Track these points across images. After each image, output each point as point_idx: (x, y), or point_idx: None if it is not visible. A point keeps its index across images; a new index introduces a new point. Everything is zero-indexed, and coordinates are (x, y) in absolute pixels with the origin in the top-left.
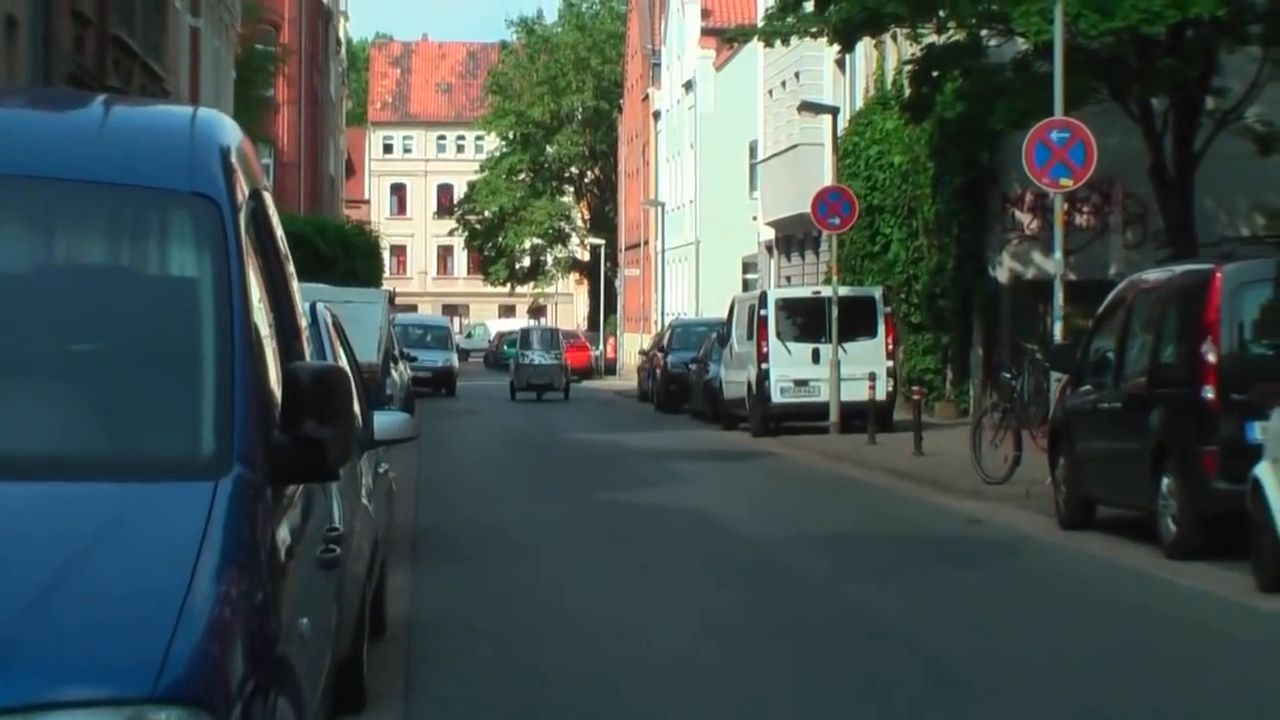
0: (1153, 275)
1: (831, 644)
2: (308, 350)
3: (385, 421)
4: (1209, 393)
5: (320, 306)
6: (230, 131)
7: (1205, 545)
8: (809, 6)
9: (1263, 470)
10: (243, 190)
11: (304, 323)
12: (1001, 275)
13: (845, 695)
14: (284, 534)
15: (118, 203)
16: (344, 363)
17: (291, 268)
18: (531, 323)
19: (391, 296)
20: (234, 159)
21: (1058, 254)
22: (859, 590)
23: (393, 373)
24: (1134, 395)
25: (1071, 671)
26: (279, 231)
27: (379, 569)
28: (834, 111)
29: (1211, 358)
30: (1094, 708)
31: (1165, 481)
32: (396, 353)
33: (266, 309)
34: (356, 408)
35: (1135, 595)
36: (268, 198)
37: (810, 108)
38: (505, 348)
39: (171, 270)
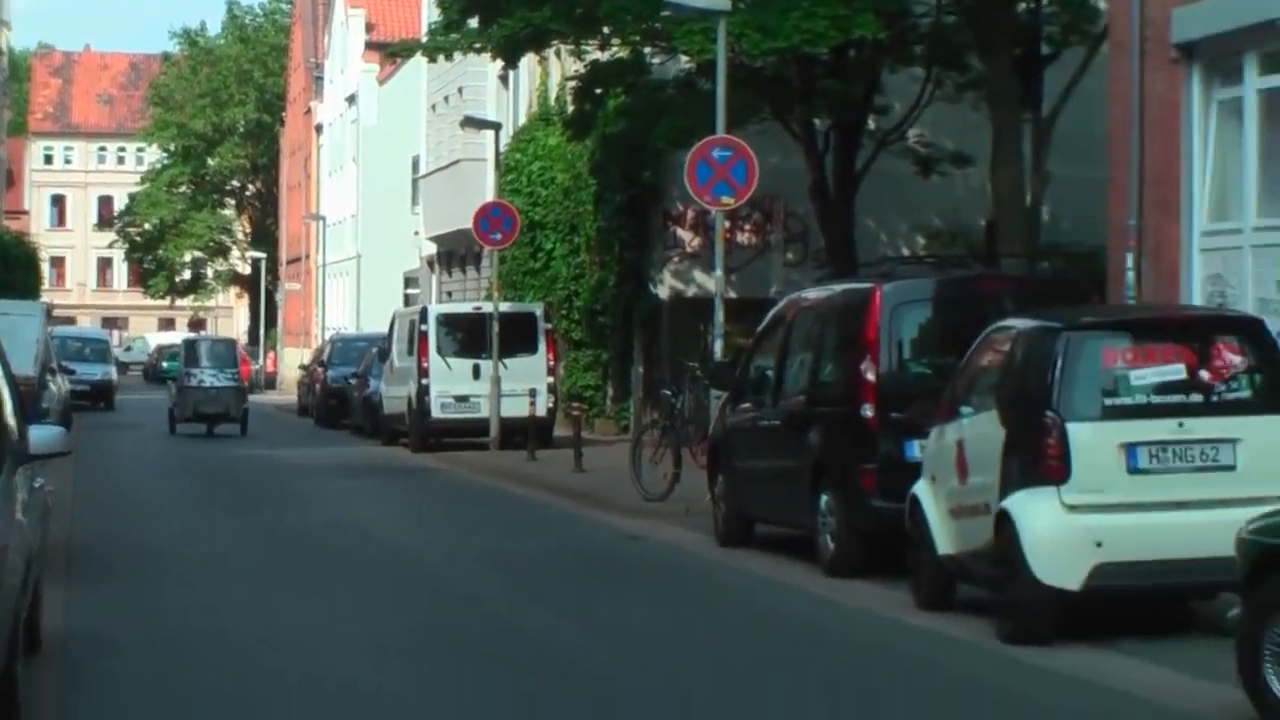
0: (812, 293)
1: (489, 660)
2: None
3: (40, 436)
4: (868, 411)
5: None
6: None
7: (864, 563)
8: (473, 22)
9: (921, 488)
10: None
11: None
12: (662, 292)
13: (493, 708)
14: None
15: None
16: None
17: None
18: (201, 334)
19: (49, 309)
20: None
21: (719, 271)
22: (518, 607)
23: (50, 385)
24: (793, 413)
25: (726, 686)
26: None
27: (34, 585)
28: (497, 127)
29: (870, 376)
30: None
31: (824, 499)
32: (54, 365)
33: None
34: (11, 422)
35: (794, 611)
36: None
37: (473, 123)
38: (164, 363)
39: None
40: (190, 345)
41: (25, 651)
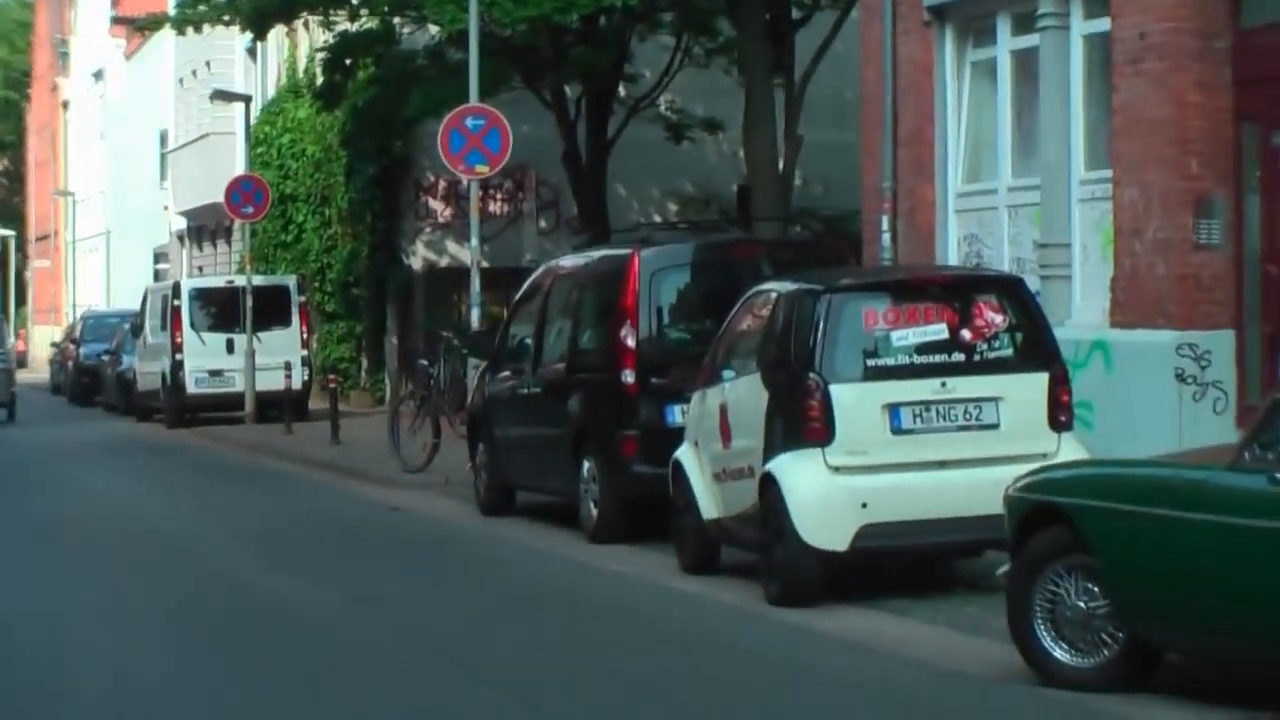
0: (570, 261)
1: (248, 635)
2: None
3: None
4: (628, 377)
5: None
6: None
7: (627, 529)
8: None
9: (684, 453)
10: None
11: None
12: (415, 263)
13: (256, 682)
14: None
15: None
16: None
17: None
18: None
19: None
20: None
21: (474, 241)
22: (280, 581)
23: None
24: (553, 381)
25: (490, 654)
26: None
27: None
28: (246, 100)
29: (630, 342)
30: (514, 691)
31: (586, 466)
32: None
33: None
34: None
35: (559, 578)
36: None
37: (223, 96)
38: None
39: None
40: None
41: None
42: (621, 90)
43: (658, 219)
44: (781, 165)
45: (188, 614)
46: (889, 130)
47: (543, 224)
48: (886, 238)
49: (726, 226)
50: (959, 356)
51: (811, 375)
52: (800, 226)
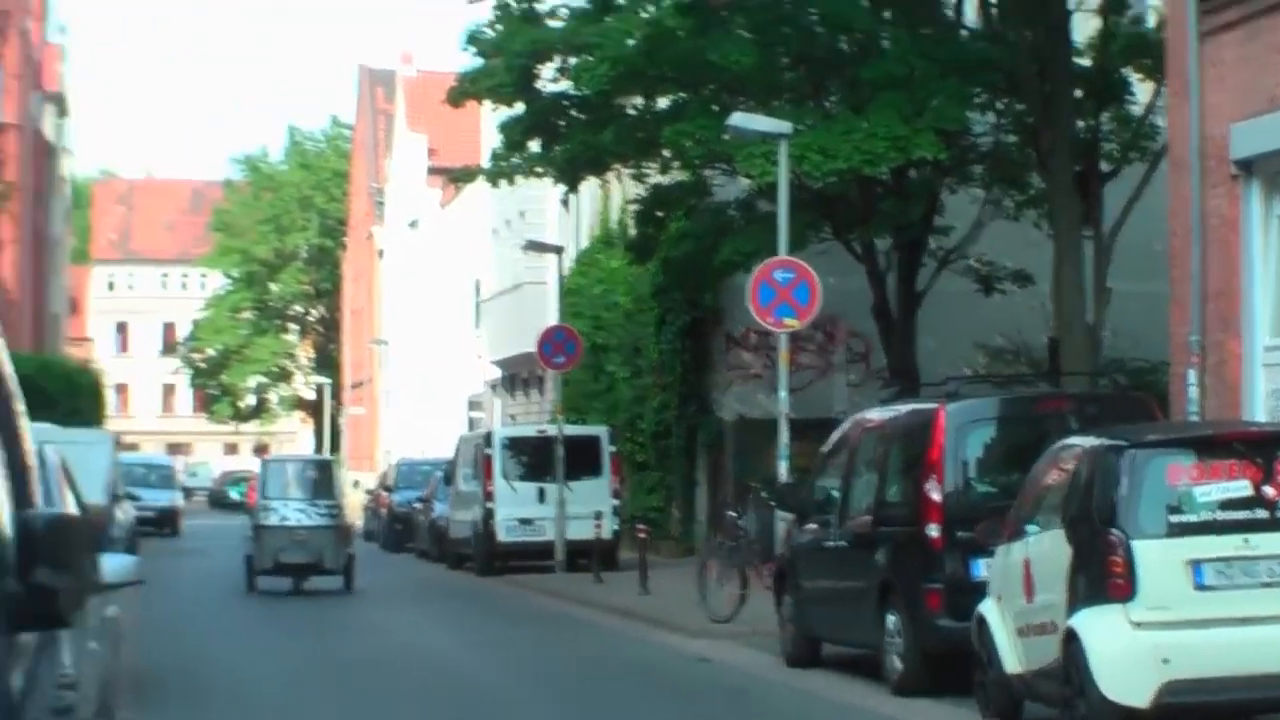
0: (876, 414)
1: None
2: (38, 494)
3: (112, 565)
4: (933, 531)
5: (49, 450)
6: None
7: (931, 682)
8: (534, 145)
9: (988, 607)
10: None
11: (35, 466)
12: (726, 414)
13: None
14: (17, 682)
15: None
16: (73, 507)
17: (22, 409)
18: (285, 455)
19: (117, 438)
20: None
21: (783, 393)
22: None
23: (117, 513)
24: (859, 533)
25: None
26: (8, 375)
27: (110, 713)
28: (558, 251)
29: (936, 496)
30: None
31: (891, 619)
32: (119, 493)
33: None
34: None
35: None
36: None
37: (535, 247)
38: (230, 489)
39: None
40: (270, 469)
41: None
42: (932, 242)
43: (967, 371)
44: (1090, 317)
45: None
46: (1196, 283)
47: (852, 376)
48: (1193, 391)
49: (1035, 380)
50: (1262, 513)
51: (1114, 531)
52: (1108, 380)
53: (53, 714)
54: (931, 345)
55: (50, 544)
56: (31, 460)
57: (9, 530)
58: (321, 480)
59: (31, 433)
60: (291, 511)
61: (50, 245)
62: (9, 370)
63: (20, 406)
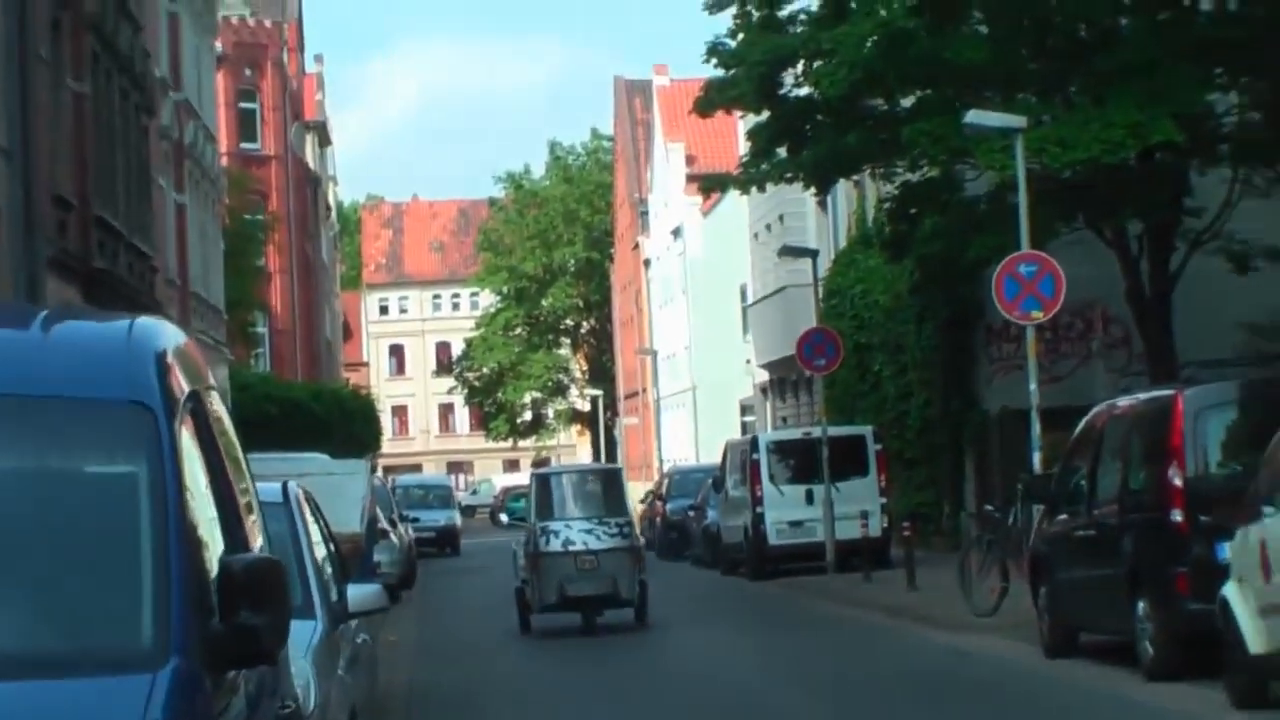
0: (1122, 402)
1: None
2: (257, 530)
3: (357, 594)
4: (1177, 516)
5: (292, 484)
6: (167, 337)
7: (1184, 665)
8: (783, 152)
9: (1230, 589)
10: (180, 392)
11: (253, 503)
12: (991, 406)
13: None
14: (228, 715)
15: (61, 413)
16: (316, 538)
17: (239, 456)
18: (562, 465)
19: (373, 465)
20: (171, 362)
21: (1032, 385)
22: None
23: (391, 536)
24: (1107, 521)
25: None
26: (225, 425)
27: None
28: (814, 254)
29: (1178, 482)
30: None
31: (1141, 605)
32: (394, 516)
33: (207, 501)
34: (330, 582)
35: (1115, 719)
36: (211, 395)
37: (790, 252)
38: (511, 503)
39: (110, 472)
40: (545, 484)
41: None
42: (1183, 223)
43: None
44: None
45: None
46: None
47: (1114, 361)
48: None
49: None
50: None
51: None
52: None
53: None
54: (1189, 327)
55: (249, 586)
56: (245, 506)
57: (214, 573)
58: (609, 493)
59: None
60: (576, 533)
61: (319, 273)
62: (225, 425)
63: (237, 456)
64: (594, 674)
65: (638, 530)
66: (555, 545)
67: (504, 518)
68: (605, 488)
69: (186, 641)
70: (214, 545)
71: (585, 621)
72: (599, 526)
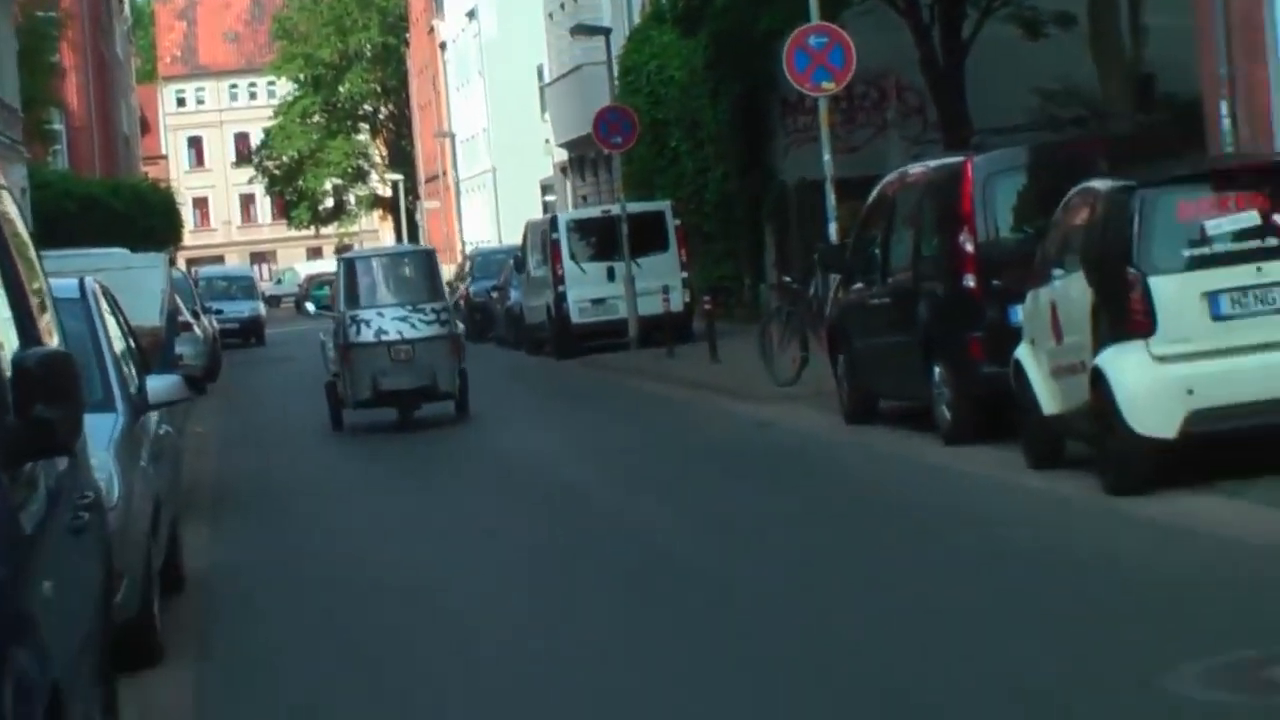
0: (914, 170)
1: (608, 559)
2: (52, 328)
3: (157, 385)
4: (970, 281)
5: (89, 280)
6: None
7: (980, 429)
8: None
9: (1023, 352)
10: None
11: (46, 301)
12: (787, 178)
13: (613, 599)
14: (25, 507)
15: None
16: (114, 332)
17: (31, 254)
18: (375, 249)
19: (171, 258)
20: None
21: (826, 156)
22: (640, 502)
23: (195, 328)
24: (901, 289)
25: (843, 559)
26: (16, 225)
27: (168, 526)
28: (606, 32)
29: (969, 248)
30: (872, 594)
31: (936, 370)
32: (198, 308)
33: None
34: (129, 374)
35: (915, 481)
36: (2, 196)
37: (584, 30)
38: (315, 290)
39: None
40: (352, 269)
41: (167, 591)
42: None
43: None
44: (1129, 55)
45: (555, 542)
46: (1221, 13)
47: (909, 132)
48: (1226, 124)
49: (1089, 121)
50: (1274, 241)
51: (1131, 269)
52: (1143, 116)
53: (70, 532)
54: (984, 94)
55: (43, 381)
56: (38, 299)
57: (7, 370)
58: (424, 277)
59: (89, 259)
60: (389, 322)
61: (115, 68)
62: (13, 212)
63: (30, 256)
64: (405, 462)
65: (455, 318)
66: (367, 335)
67: (310, 306)
68: (419, 271)
69: None
70: (7, 343)
71: (401, 417)
72: (414, 314)
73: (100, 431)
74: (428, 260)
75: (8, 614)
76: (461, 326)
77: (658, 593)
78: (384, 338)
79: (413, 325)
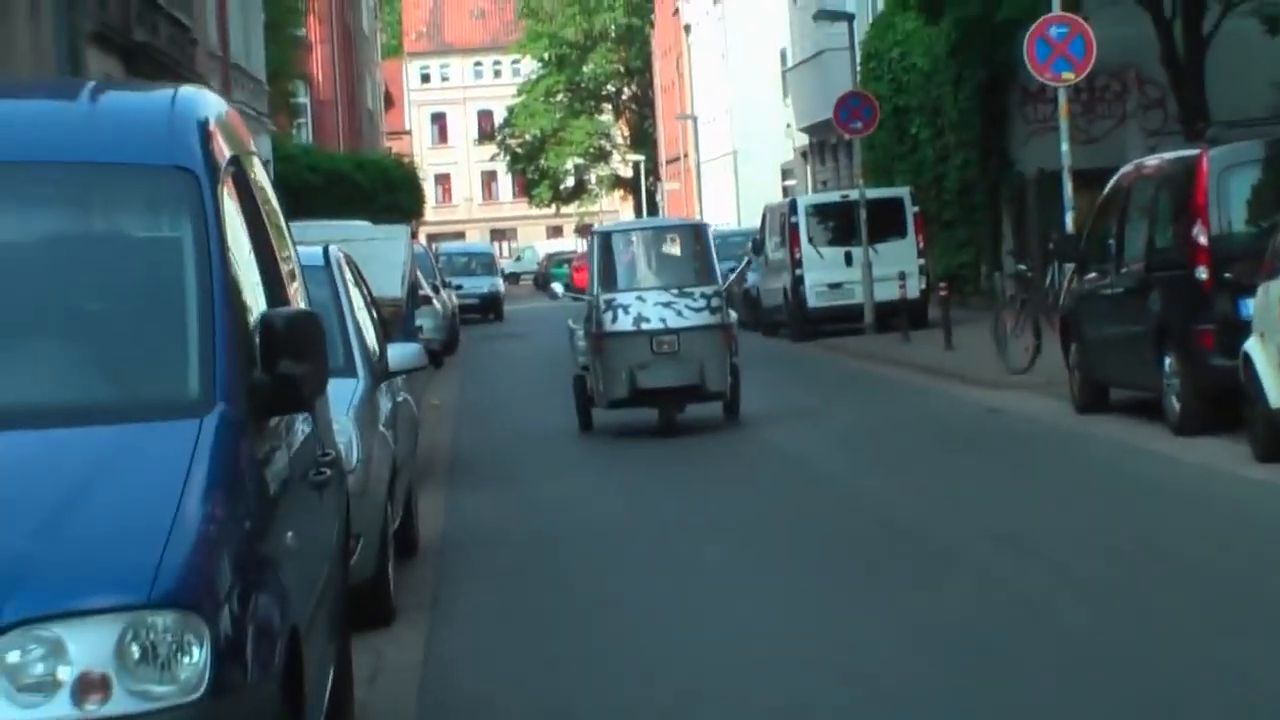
0: (1150, 162)
1: (833, 532)
2: (299, 295)
3: (397, 353)
4: (1202, 273)
5: (333, 249)
6: (209, 105)
7: (1209, 420)
8: None
9: (1252, 344)
10: (221, 158)
11: (295, 269)
12: (1026, 168)
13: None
14: (271, 460)
15: (108, 179)
16: (357, 300)
17: (281, 222)
18: (634, 223)
19: (413, 231)
20: (213, 130)
21: (1064, 146)
22: (874, 483)
23: (434, 302)
24: (1134, 279)
25: (1068, 542)
26: (267, 192)
27: (404, 491)
28: (850, 18)
29: (1203, 240)
30: (1090, 577)
31: (1167, 361)
32: (437, 283)
33: (250, 263)
34: (371, 343)
35: (1141, 471)
36: (253, 162)
37: (827, 15)
38: (554, 269)
39: (156, 235)
40: (608, 245)
41: (403, 554)
42: None
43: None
44: None
45: (788, 519)
46: None
47: (1150, 123)
48: None
49: None
50: None
51: None
52: None
53: (311, 487)
54: (1224, 88)
55: (290, 339)
56: (287, 266)
57: (257, 328)
58: (694, 256)
59: (331, 231)
60: (651, 307)
61: (360, 42)
62: (267, 191)
63: (279, 222)
64: (645, 436)
65: (728, 305)
66: (625, 323)
67: (557, 287)
68: (688, 248)
69: (231, 390)
70: (256, 304)
71: (662, 419)
72: (680, 299)
73: (341, 397)
74: (699, 236)
75: (252, 559)
76: (734, 315)
77: (923, 576)
78: (644, 326)
79: (679, 312)
